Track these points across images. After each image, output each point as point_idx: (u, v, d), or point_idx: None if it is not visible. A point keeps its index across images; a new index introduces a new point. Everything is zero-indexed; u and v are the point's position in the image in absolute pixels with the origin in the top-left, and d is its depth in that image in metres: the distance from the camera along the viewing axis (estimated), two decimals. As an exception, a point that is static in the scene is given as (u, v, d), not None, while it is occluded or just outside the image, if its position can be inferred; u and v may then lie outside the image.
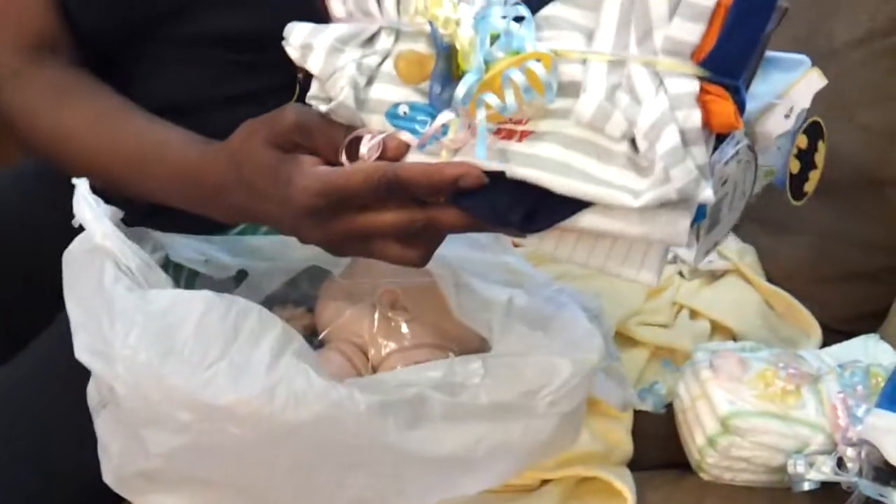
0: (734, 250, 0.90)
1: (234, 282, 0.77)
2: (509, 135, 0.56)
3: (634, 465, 0.73)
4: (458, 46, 0.55)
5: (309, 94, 0.61)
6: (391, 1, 0.60)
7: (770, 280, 0.89)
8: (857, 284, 0.87)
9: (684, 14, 0.53)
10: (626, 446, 0.74)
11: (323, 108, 0.58)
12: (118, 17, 0.82)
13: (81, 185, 0.65)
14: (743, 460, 0.70)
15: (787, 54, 0.61)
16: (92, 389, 0.66)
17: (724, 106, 0.53)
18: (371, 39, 0.61)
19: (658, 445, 0.77)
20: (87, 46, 0.86)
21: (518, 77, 0.54)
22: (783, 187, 0.69)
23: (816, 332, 0.85)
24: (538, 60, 0.54)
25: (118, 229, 0.64)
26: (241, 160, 0.62)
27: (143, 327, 0.58)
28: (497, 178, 0.54)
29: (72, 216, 0.70)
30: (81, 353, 0.59)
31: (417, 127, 0.57)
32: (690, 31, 0.53)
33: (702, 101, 0.53)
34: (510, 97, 0.54)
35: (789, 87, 0.60)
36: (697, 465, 0.73)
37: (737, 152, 0.57)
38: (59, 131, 0.77)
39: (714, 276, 0.89)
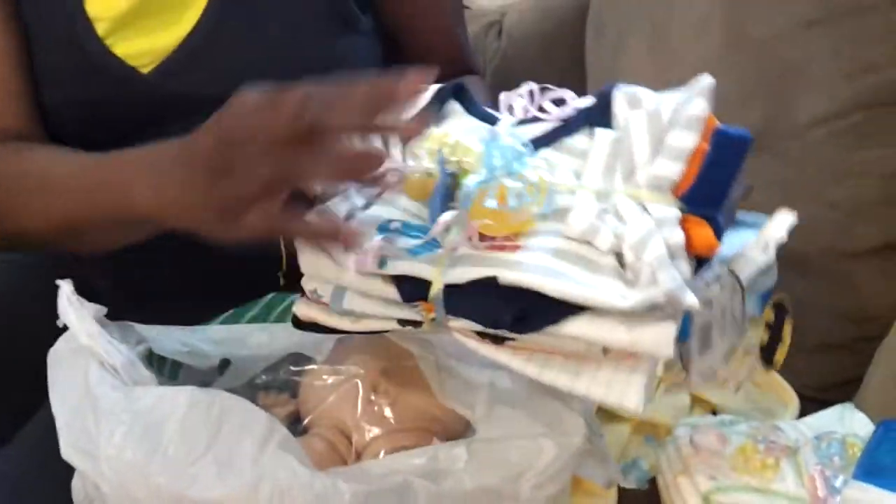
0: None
1: (218, 371, 0.78)
2: (500, 248, 0.58)
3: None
4: (463, 165, 0.60)
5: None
6: (398, 155, 0.64)
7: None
8: (831, 354, 0.89)
9: (666, 154, 0.59)
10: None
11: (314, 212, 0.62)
12: (93, 130, 0.84)
13: (65, 287, 0.67)
14: (727, 535, 0.70)
15: (753, 214, 0.66)
16: (77, 485, 0.67)
17: (703, 230, 0.57)
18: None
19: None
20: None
21: (516, 184, 0.58)
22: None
23: (794, 402, 0.86)
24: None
25: (102, 327, 0.66)
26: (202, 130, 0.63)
27: (128, 426, 0.59)
28: (489, 284, 0.57)
29: (54, 306, 0.71)
30: (67, 450, 0.60)
31: (410, 240, 0.60)
32: (671, 169, 0.58)
33: (683, 227, 0.57)
34: (512, 199, 0.58)
35: (763, 229, 0.65)
36: (683, 540, 0.73)
37: (718, 276, 0.60)
38: (23, 177, 0.79)
39: (692, 349, 0.91)
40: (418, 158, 0.63)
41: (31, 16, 0.84)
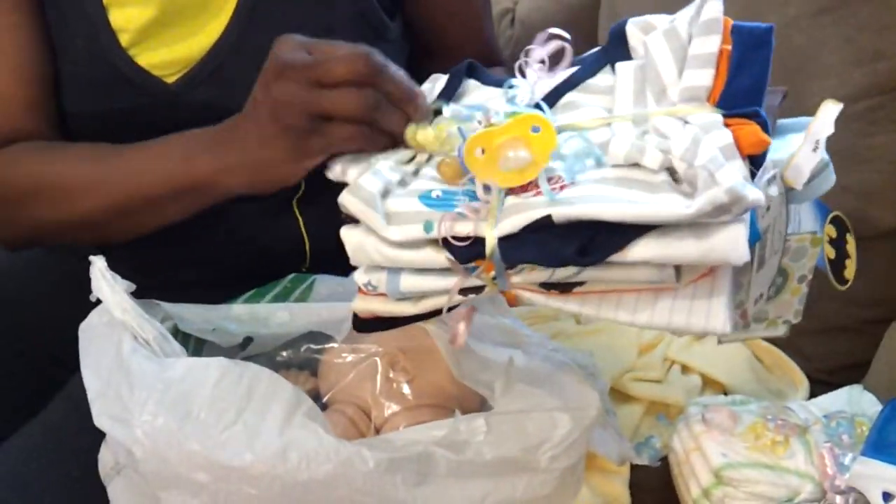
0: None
1: (240, 348, 0.80)
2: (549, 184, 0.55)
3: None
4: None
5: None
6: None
7: (757, 334, 0.92)
8: (840, 337, 0.90)
9: (692, 64, 0.57)
10: (623, 499, 0.76)
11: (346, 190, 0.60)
12: (118, 140, 0.85)
13: (98, 262, 0.68)
14: (737, 510, 0.72)
15: (795, 119, 0.62)
16: (104, 456, 0.68)
17: (750, 128, 0.53)
18: (410, 160, 0.63)
19: (655, 497, 0.78)
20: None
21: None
22: (824, 269, 0.69)
23: (803, 384, 0.88)
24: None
25: (134, 302, 0.67)
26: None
27: (161, 394, 0.61)
28: (544, 226, 0.53)
29: (69, 292, 0.72)
30: (101, 418, 0.62)
31: (455, 204, 0.56)
32: (702, 77, 0.56)
33: (730, 129, 0.53)
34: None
35: (810, 125, 0.59)
36: (694, 516, 0.75)
37: (773, 177, 0.56)
38: (38, 176, 0.80)
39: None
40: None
41: (57, 27, 0.84)
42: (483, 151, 0.55)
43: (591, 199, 0.52)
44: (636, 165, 0.54)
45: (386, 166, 0.60)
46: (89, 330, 0.67)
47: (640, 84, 0.59)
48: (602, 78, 0.62)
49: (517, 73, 0.64)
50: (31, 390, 0.88)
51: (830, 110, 0.61)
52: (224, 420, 0.60)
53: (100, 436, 0.67)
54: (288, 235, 0.88)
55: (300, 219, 0.88)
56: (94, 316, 0.67)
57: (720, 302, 0.52)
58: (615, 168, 0.54)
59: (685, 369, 0.89)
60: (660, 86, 0.58)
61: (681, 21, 0.59)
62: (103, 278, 0.67)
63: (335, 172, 0.63)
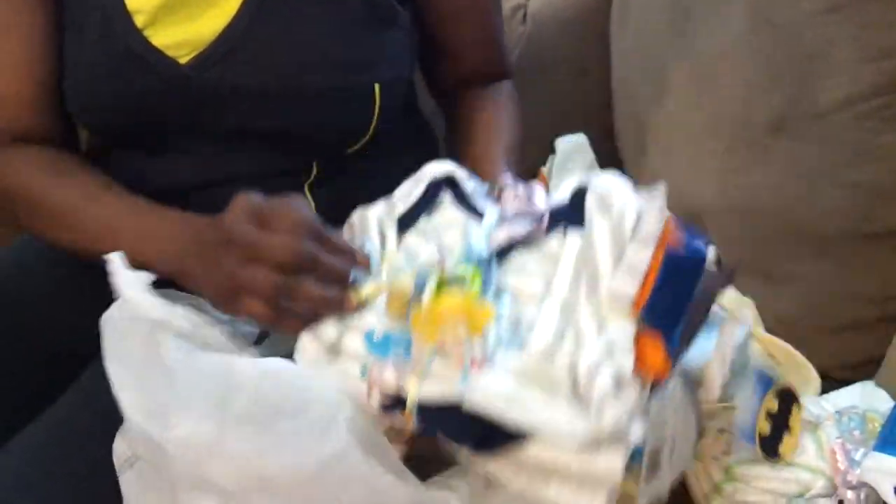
0: (733, 302, 0.93)
1: (256, 341, 0.81)
2: (470, 364, 0.63)
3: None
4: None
5: None
6: (393, 247, 0.72)
7: (768, 331, 0.92)
8: (851, 334, 0.90)
9: (624, 269, 0.63)
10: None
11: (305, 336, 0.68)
12: (129, 122, 0.87)
13: (116, 258, 0.69)
14: (749, 505, 0.73)
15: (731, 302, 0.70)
16: (119, 447, 0.69)
17: (655, 353, 0.61)
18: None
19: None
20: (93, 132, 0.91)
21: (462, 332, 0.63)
22: (748, 442, 0.73)
23: (815, 380, 0.88)
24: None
25: (158, 295, 0.68)
26: (210, 221, 0.72)
27: (200, 392, 0.62)
28: (454, 406, 0.62)
29: (79, 285, 0.74)
30: (133, 412, 0.63)
31: (391, 353, 0.65)
32: (628, 285, 0.63)
33: (637, 346, 0.61)
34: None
35: (717, 344, 0.69)
36: (705, 511, 0.76)
37: (670, 398, 0.64)
38: (36, 201, 0.85)
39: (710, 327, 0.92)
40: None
41: (72, 10, 0.86)
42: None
43: (499, 397, 0.60)
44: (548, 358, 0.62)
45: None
46: (112, 322, 0.67)
47: (579, 267, 0.65)
48: (553, 241, 0.68)
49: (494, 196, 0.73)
50: (43, 381, 0.89)
51: (736, 331, 0.71)
52: (262, 427, 0.61)
53: (113, 427, 0.68)
54: None
55: (312, 203, 0.89)
56: (114, 310, 0.68)
57: (602, 494, 0.60)
58: (529, 357, 0.62)
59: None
60: (595, 275, 0.64)
61: (630, 213, 0.65)
62: (122, 274, 0.68)
63: None
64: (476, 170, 0.92)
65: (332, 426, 0.62)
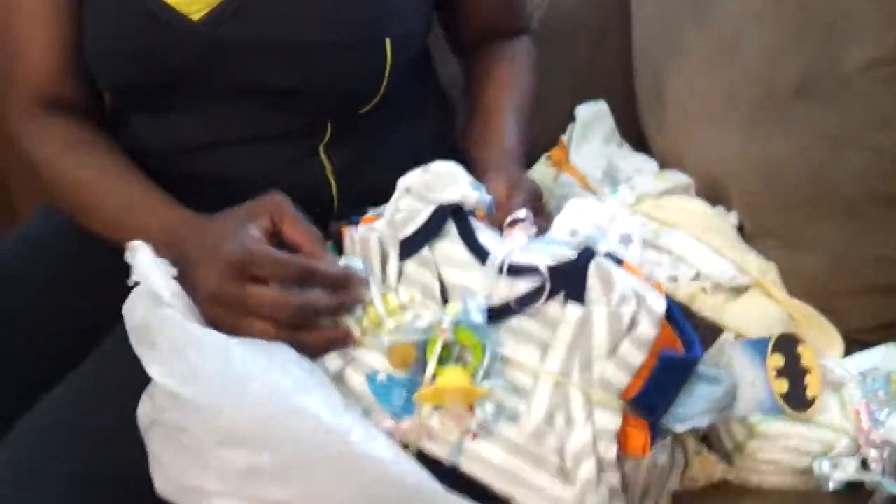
0: (756, 266, 0.94)
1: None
2: (465, 433, 0.68)
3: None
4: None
5: None
6: (393, 273, 0.74)
7: (791, 294, 0.92)
8: (873, 297, 0.90)
9: (617, 363, 0.68)
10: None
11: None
12: (144, 79, 0.87)
13: (142, 247, 0.71)
14: (770, 463, 0.73)
15: (708, 369, 0.71)
16: (145, 408, 0.71)
17: (638, 437, 0.67)
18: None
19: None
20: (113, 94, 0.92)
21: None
22: (776, 411, 0.75)
23: (838, 343, 0.89)
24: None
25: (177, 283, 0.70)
26: (219, 217, 0.73)
27: (229, 362, 0.65)
28: (451, 468, 0.68)
29: (95, 253, 0.75)
30: (164, 378, 0.65)
31: (394, 400, 0.70)
32: (619, 379, 0.67)
33: (623, 429, 0.67)
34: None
35: None
36: (726, 469, 0.76)
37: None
38: (59, 179, 0.86)
39: (737, 291, 0.93)
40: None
41: None
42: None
43: (490, 467, 0.68)
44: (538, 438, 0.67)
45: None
46: (134, 305, 0.69)
47: (574, 345, 0.69)
48: (552, 308, 0.70)
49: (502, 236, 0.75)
50: (68, 345, 0.90)
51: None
52: (287, 388, 0.65)
53: (136, 388, 0.70)
54: (314, 182, 0.89)
55: (328, 164, 0.89)
56: (134, 296, 0.70)
57: None
58: (521, 434, 0.68)
59: (720, 328, 0.90)
60: (588, 358, 0.68)
61: (629, 303, 0.68)
62: (144, 262, 0.69)
63: None
64: (484, 121, 0.94)
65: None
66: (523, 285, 0.71)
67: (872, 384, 0.76)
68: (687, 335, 0.69)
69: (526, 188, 0.83)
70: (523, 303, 0.71)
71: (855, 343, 0.89)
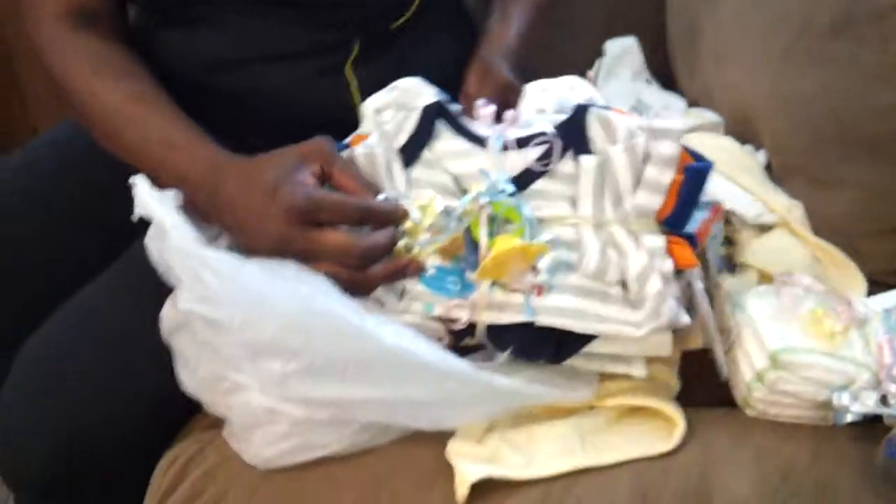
0: (782, 205, 0.93)
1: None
2: (528, 292, 0.72)
3: (681, 403, 0.77)
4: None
5: None
6: (401, 181, 0.75)
7: (816, 234, 0.92)
8: (898, 238, 0.90)
9: (647, 188, 0.72)
10: (673, 384, 0.78)
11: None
12: None
13: (140, 181, 0.71)
14: (790, 395, 0.73)
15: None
16: (169, 313, 0.72)
17: (684, 250, 0.72)
18: None
19: (703, 386, 0.80)
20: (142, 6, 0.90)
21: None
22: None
23: (862, 284, 0.88)
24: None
25: (181, 212, 0.70)
26: (264, 158, 0.71)
27: (242, 278, 0.66)
28: (525, 324, 0.71)
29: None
30: (188, 305, 0.66)
31: (450, 286, 0.72)
32: (653, 201, 0.72)
33: (669, 249, 0.71)
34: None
35: None
36: (744, 401, 0.76)
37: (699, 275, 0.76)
38: (89, 101, 0.83)
39: (762, 229, 0.92)
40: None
41: None
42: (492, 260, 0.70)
43: (565, 313, 0.71)
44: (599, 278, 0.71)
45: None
46: (153, 240, 0.70)
47: (599, 184, 0.73)
48: (565, 165, 0.74)
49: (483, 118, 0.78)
50: (97, 249, 0.91)
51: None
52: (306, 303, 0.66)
53: (161, 291, 0.71)
54: (338, 100, 0.89)
55: (353, 83, 0.89)
56: (151, 232, 0.70)
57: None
58: (582, 277, 0.71)
59: (742, 266, 0.89)
60: (617, 193, 0.73)
61: (639, 138, 0.72)
62: (148, 197, 0.69)
63: None
64: (486, 19, 0.95)
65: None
66: (532, 153, 0.74)
67: (896, 321, 0.76)
68: (690, 149, 0.74)
69: (496, 82, 0.85)
70: (541, 164, 0.74)
71: (877, 285, 0.88)
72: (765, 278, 0.88)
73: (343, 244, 0.67)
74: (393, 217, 0.71)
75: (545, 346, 0.72)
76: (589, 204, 0.73)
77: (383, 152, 0.75)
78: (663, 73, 1.19)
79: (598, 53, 1.19)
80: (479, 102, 0.80)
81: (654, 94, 1.12)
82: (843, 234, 0.90)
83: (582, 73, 1.16)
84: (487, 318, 0.72)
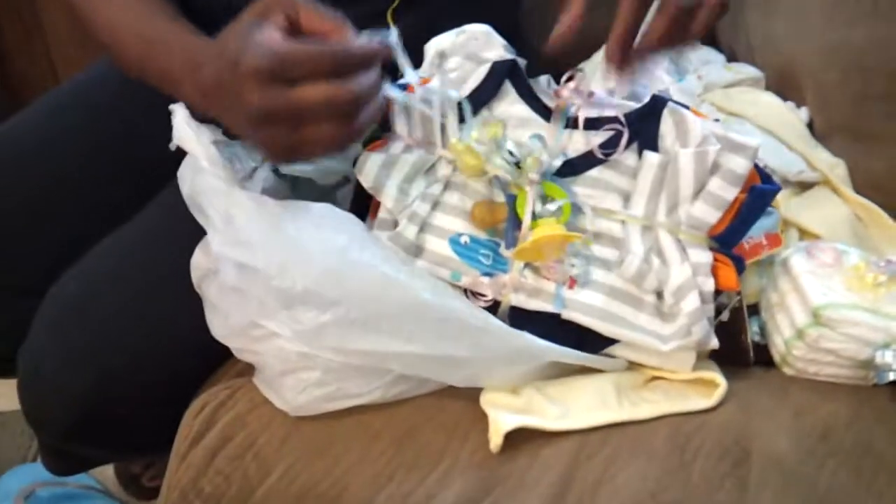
0: (825, 162, 0.91)
1: (334, 188, 0.81)
2: (560, 282, 0.70)
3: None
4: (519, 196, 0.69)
5: (379, 215, 0.72)
6: (454, 135, 0.71)
7: (858, 192, 0.90)
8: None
9: (707, 201, 0.68)
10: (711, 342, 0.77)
11: (386, 235, 0.70)
12: None
13: (180, 110, 0.70)
14: (830, 353, 0.72)
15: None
16: (199, 260, 0.72)
17: (729, 272, 0.69)
18: (432, 167, 0.72)
19: (741, 345, 0.78)
20: None
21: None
22: None
23: (901, 240, 0.86)
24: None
25: (217, 148, 0.69)
26: (227, 30, 0.63)
27: (273, 227, 0.65)
28: (552, 316, 0.70)
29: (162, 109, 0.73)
30: (221, 247, 0.65)
31: (481, 259, 0.70)
32: (710, 215, 0.68)
33: (714, 267, 0.69)
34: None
35: None
36: (782, 358, 0.75)
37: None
38: (107, 25, 0.80)
39: (804, 186, 0.90)
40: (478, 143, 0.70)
41: None
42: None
43: (593, 312, 0.69)
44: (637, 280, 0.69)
45: (421, 207, 0.71)
46: (186, 176, 0.69)
47: (657, 185, 0.69)
48: (627, 157, 0.70)
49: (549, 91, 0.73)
50: (132, 190, 0.91)
51: None
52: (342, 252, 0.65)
53: (194, 239, 0.71)
54: None
55: (395, 30, 0.86)
56: (185, 166, 0.69)
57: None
58: (618, 278, 0.69)
59: (783, 223, 0.88)
60: (674, 198, 0.69)
61: (712, 146, 0.67)
62: (185, 127, 0.68)
63: (367, 182, 0.72)
64: None
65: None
66: (596, 138, 0.71)
67: (942, 280, 0.74)
68: (759, 168, 0.70)
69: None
70: (603, 152, 0.70)
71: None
72: (805, 235, 0.87)
73: (327, 94, 0.58)
74: (373, 58, 0.61)
75: (566, 340, 0.69)
76: (642, 203, 0.70)
77: (442, 102, 0.72)
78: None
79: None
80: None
81: (694, 49, 1.09)
82: (885, 192, 0.89)
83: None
84: (514, 300, 0.70)
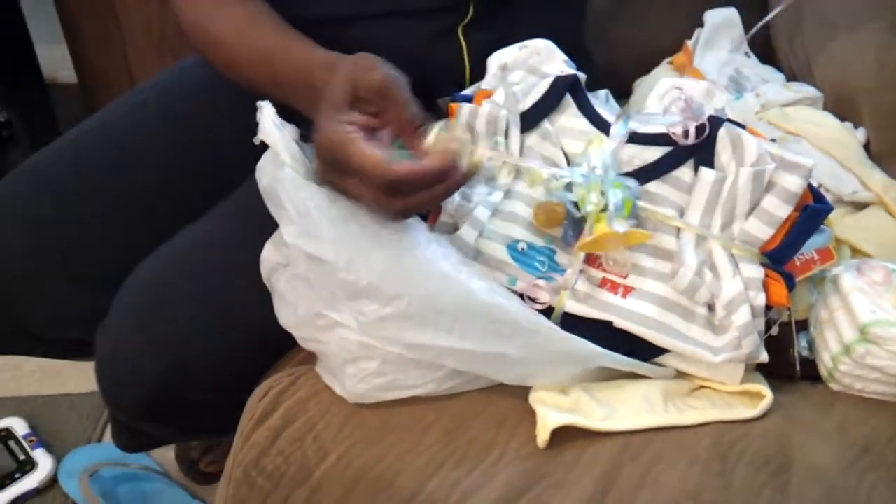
0: (879, 183, 0.91)
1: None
2: (614, 287, 0.73)
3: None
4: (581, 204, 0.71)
5: (440, 219, 0.76)
6: (515, 146, 0.75)
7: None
8: None
9: (761, 217, 0.70)
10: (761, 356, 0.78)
11: (446, 238, 0.73)
12: None
13: (266, 107, 0.73)
14: (876, 370, 0.73)
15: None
16: (269, 255, 0.76)
17: (780, 288, 0.71)
18: (493, 175, 0.76)
19: (788, 359, 0.80)
20: None
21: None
22: None
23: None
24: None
25: (298, 147, 0.72)
26: (327, 77, 0.70)
27: (348, 219, 0.68)
28: (604, 323, 0.72)
29: (241, 113, 0.77)
30: (295, 238, 0.68)
31: (537, 265, 0.73)
32: (763, 232, 0.71)
33: (765, 283, 0.70)
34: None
35: None
36: (829, 374, 0.76)
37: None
38: (213, 38, 0.85)
39: (858, 206, 0.91)
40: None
41: None
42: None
43: (646, 322, 0.71)
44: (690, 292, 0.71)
45: (481, 212, 0.74)
46: (264, 170, 0.72)
47: (713, 199, 0.72)
48: (683, 172, 0.73)
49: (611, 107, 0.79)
50: (207, 186, 0.95)
51: None
52: (409, 250, 0.68)
53: (261, 237, 0.75)
54: (449, 63, 0.90)
55: (464, 46, 0.89)
56: (265, 160, 0.72)
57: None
58: (670, 290, 0.71)
59: (836, 241, 0.88)
60: (730, 214, 0.71)
61: (769, 167, 0.70)
62: (271, 124, 0.72)
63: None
64: None
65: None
66: (653, 153, 0.74)
67: None
68: (813, 187, 0.72)
69: None
70: (659, 167, 0.73)
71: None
72: (857, 254, 0.88)
73: (432, 198, 0.67)
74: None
75: (617, 348, 0.71)
76: (697, 217, 0.72)
77: (506, 113, 0.76)
78: (761, 45, 1.17)
79: (698, 23, 1.18)
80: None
81: (753, 68, 1.11)
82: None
83: (680, 43, 1.16)
84: (568, 307, 0.73)
